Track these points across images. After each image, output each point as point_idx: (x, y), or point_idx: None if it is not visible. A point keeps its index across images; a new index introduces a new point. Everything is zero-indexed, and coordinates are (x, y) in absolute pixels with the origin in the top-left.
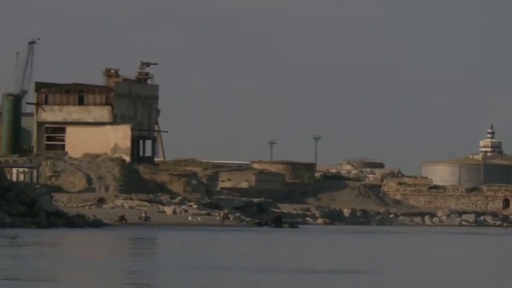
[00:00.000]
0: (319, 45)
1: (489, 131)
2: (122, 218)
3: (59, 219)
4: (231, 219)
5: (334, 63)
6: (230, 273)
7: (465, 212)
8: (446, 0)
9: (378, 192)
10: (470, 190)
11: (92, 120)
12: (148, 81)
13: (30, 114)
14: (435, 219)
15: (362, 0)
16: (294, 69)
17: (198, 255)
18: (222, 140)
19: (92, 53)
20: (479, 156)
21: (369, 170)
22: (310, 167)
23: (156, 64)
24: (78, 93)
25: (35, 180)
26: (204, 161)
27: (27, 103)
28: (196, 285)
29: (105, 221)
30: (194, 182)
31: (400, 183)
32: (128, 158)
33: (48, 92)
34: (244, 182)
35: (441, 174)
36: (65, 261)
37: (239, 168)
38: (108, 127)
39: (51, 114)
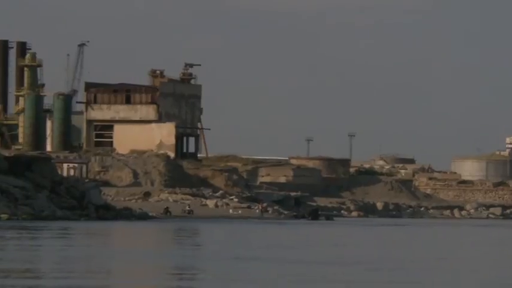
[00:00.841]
0: (353, 46)
1: None
2: (167, 211)
3: (107, 212)
4: (270, 212)
5: (367, 64)
6: (270, 264)
7: (492, 206)
8: (476, 7)
9: (410, 186)
10: (497, 184)
11: (138, 118)
12: (192, 82)
13: (80, 113)
14: (464, 212)
15: (391, 5)
16: (331, 70)
17: (239, 246)
18: (261, 137)
19: (138, 54)
20: (506, 152)
21: (400, 165)
22: (345, 162)
23: (199, 65)
24: (126, 93)
25: (84, 175)
26: (244, 156)
27: (77, 102)
28: (236, 275)
29: (150, 214)
30: (235, 176)
31: (430, 178)
32: (172, 154)
33: (97, 91)
34: (282, 176)
35: (469, 169)
36: (113, 251)
37: (278, 163)
38: (153, 125)
39: (100, 113)
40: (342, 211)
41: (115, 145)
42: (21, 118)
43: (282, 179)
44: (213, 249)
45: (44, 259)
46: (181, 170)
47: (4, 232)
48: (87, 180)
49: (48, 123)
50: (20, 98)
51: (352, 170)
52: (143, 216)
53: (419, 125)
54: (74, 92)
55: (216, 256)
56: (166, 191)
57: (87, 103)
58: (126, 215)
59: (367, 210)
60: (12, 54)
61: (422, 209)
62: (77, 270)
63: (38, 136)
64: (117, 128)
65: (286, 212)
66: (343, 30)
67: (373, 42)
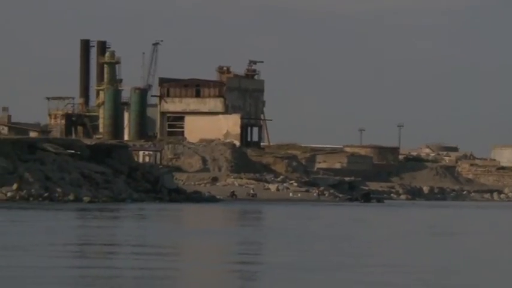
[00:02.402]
0: (401, 44)
1: None
2: (233, 194)
3: (178, 195)
4: (326, 195)
5: (413, 60)
6: (329, 242)
7: None
8: None
9: (453, 172)
10: None
11: (207, 110)
12: (255, 77)
13: (154, 105)
14: (502, 195)
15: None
16: (381, 66)
17: (298, 226)
18: (318, 127)
19: (207, 52)
20: None
21: (445, 153)
22: (394, 150)
23: (262, 62)
24: (195, 87)
25: (158, 161)
26: (303, 145)
27: (152, 96)
28: (298, 252)
29: (218, 197)
30: (294, 163)
31: (472, 165)
32: (237, 143)
33: (170, 86)
34: (337, 163)
35: (508, 156)
36: (185, 230)
37: (333, 151)
38: (221, 116)
39: (172, 105)
40: (392, 194)
41: (186, 134)
42: (101, 110)
43: (337, 165)
44: (275, 227)
45: (124, 236)
46: (245, 157)
47: (88, 213)
48: (160, 166)
49: (126, 115)
50: (101, 92)
51: (400, 157)
52: (211, 199)
53: (462, 116)
54: (149, 86)
55: (278, 234)
56: (232, 176)
57: (161, 97)
58: (196, 198)
59: (414, 193)
60: (93, 52)
61: (464, 192)
62: (153, 247)
63: (116, 126)
64: (188, 119)
65: (341, 195)
66: (391, 29)
67: (419, 39)
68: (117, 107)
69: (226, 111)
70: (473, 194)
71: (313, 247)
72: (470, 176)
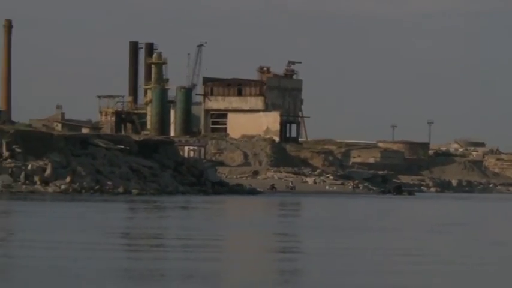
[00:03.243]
0: (433, 45)
1: None
2: (272, 187)
3: (221, 188)
4: (360, 188)
5: (443, 60)
6: (365, 233)
7: None
8: None
9: (480, 166)
10: None
11: (248, 108)
12: (294, 77)
13: (199, 103)
14: None
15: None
16: (412, 65)
17: (335, 217)
18: (353, 123)
19: (248, 53)
20: None
21: (472, 148)
22: (424, 145)
23: (300, 63)
24: (237, 86)
25: (202, 156)
26: (338, 140)
27: (197, 94)
28: (334, 242)
29: (258, 189)
30: (331, 157)
31: (498, 159)
32: (277, 139)
33: (213, 85)
34: (371, 157)
35: None
36: (227, 221)
37: (367, 146)
38: (261, 113)
39: (216, 103)
40: (422, 187)
41: (228, 131)
42: (149, 108)
43: (371, 160)
44: (312, 218)
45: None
46: (284, 152)
47: (137, 204)
48: (204, 161)
49: (172, 112)
50: (148, 91)
51: (430, 152)
52: (252, 192)
53: (489, 113)
54: (194, 85)
55: (315, 224)
56: (272, 170)
57: (205, 95)
58: (238, 190)
59: (444, 186)
60: (142, 53)
61: (491, 185)
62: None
63: (163, 123)
64: (230, 116)
65: (374, 188)
66: (421, 30)
67: (448, 40)
68: (164, 105)
69: (267, 108)
70: (499, 187)
71: (351, 237)
72: (496, 170)
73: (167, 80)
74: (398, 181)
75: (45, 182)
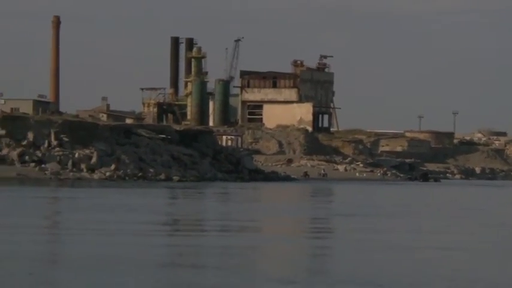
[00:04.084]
0: (457, 40)
1: None
2: (306, 174)
3: (257, 175)
4: (389, 175)
5: (466, 55)
6: (394, 219)
7: None
8: None
9: (502, 154)
10: None
11: (282, 100)
12: (326, 70)
13: (236, 95)
14: None
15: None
16: (437, 60)
17: (365, 204)
18: (382, 114)
19: (283, 48)
20: None
21: (495, 137)
22: (449, 135)
23: (332, 57)
24: (273, 79)
25: (239, 145)
26: (368, 130)
27: (234, 86)
28: (362, 229)
29: (292, 176)
30: (361, 146)
31: None
32: (310, 128)
33: (250, 78)
34: (399, 146)
35: None
36: (264, 206)
37: (395, 136)
38: (295, 105)
39: (252, 95)
40: (447, 174)
41: (264, 121)
42: (189, 99)
43: (399, 149)
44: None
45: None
46: (317, 141)
47: (177, 191)
48: (241, 149)
49: (211, 104)
50: (188, 83)
51: (455, 141)
52: (286, 178)
53: (511, 104)
54: (231, 78)
55: (345, 210)
56: (305, 158)
57: (242, 87)
58: (273, 177)
59: (468, 173)
60: (182, 48)
61: None
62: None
63: (202, 114)
64: (266, 107)
65: (402, 175)
66: (446, 26)
67: (471, 36)
68: (203, 97)
69: (300, 100)
70: None
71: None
72: None
73: (206, 73)
74: (425, 169)
75: (91, 170)
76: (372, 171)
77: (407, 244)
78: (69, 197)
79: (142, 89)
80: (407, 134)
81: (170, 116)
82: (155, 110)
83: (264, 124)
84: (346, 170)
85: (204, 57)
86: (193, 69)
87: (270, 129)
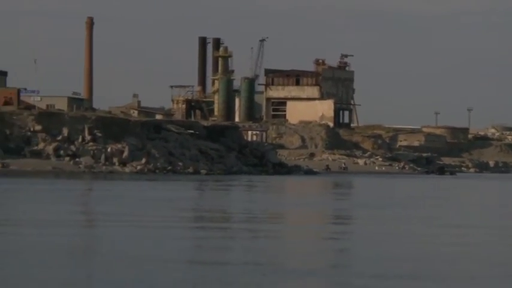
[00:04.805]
0: (471, 40)
1: None
2: (327, 168)
3: (281, 168)
4: (406, 168)
5: (479, 54)
6: (412, 210)
7: None
8: None
9: None
10: None
11: (305, 97)
12: (346, 68)
13: (261, 92)
14: None
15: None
16: (452, 59)
17: (384, 196)
18: (400, 110)
19: (305, 47)
20: None
21: (508, 132)
22: (464, 130)
23: (352, 56)
24: (296, 77)
25: (264, 140)
26: (387, 126)
27: (259, 84)
28: (380, 219)
29: (314, 170)
30: (379, 141)
31: None
32: (331, 124)
33: (274, 76)
34: (416, 141)
35: None
36: (287, 198)
37: (412, 131)
38: (317, 101)
39: (276, 92)
40: (462, 168)
41: (287, 117)
42: (216, 96)
43: (416, 143)
44: (363, 196)
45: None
46: (338, 136)
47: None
48: (266, 144)
49: (237, 100)
50: (215, 81)
51: (470, 136)
52: (309, 172)
53: None
54: (256, 76)
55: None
56: (326, 152)
57: (266, 85)
58: (296, 170)
59: (482, 167)
60: (210, 47)
61: None
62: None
63: (229, 110)
64: (289, 104)
65: (419, 169)
66: (460, 26)
67: (485, 36)
68: (230, 94)
69: (322, 97)
70: None
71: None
72: None
73: (232, 71)
74: (441, 162)
75: (123, 163)
76: (390, 164)
77: (428, 233)
78: (120, 189)
79: (171, 87)
80: (424, 130)
81: (198, 112)
82: (184, 106)
83: (287, 120)
84: (365, 163)
85: (230, 56)
86: (220, 67)
87: (293, 124)
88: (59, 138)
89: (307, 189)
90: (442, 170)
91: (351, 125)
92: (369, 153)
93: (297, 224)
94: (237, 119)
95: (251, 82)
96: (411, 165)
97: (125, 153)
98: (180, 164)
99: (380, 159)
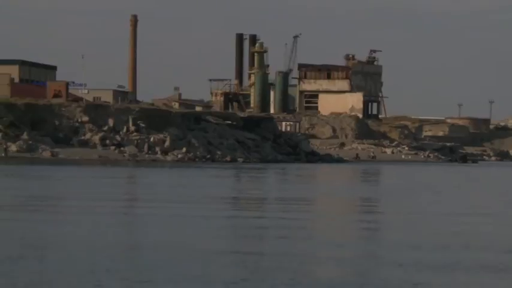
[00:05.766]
0: (493, 36)
1: None
2: (357, 156)
3: (313, 157)
4: (431, 157)
5: (502, 50)
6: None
7: None
8: None
9: None
10: None
11: (336, 90)
12: (375, 63)
13: (294, 86)
14: None
15: None
16: (475, 53)
17: (410, 182)
18: (425, 102)
19: (336, 43)
20: None
21: None
22: (486, 121)
23: (380, 51)
24: (327, 71)
25: (297, 130)
26: (413, 117)
27: (293, 78)
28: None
29: (345, 158)
30: (406, 131)
31: None
32: (360, 115)
33: (307, 70)
34: (440, 131)
35: None
36: (319, 185)
37: (437, 122)
38: (347, 94)
39: (309, 86)
40: (484, 156)
41: (319, 109)
42: (252, 89)
43: (440, 133)
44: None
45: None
46: (367, 126)
47: (242, 170)
48: (299, 134)
49: (272, 93)
50: (252, 75)
51: (491, 126)
52: (339, 160)
53: None
54: (290, 70)
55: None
56: (356, 142)
57: (300, 78)
58: (327, 159)
59: (502, 155)
60: (246, 43)
61: None
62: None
63: (264, 102)
64: (321, 97)
65: (443, 157)
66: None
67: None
68: (265, 87)
69: (352, 90)
70: None
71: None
72: None
73: (267, 66)
74: (464, 151)
75: (165, 152)
76: (416, 153)
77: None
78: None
79: (210, 80)
80: (448, 120)
81: (235, 104)
82: (222, 99)
83: (319, 111)
84: (393, 152)
85: (265, 51)
86: (256, 62)
87: (325, 116)
88: (105, 128)
89: (339, 175)
90: (464, 159)
91: (379, 116)
92: (396, 142)
93: (330, 208)
94: (272, 111)
95: (285, 76)
96: (436, 154)
97: (167, 143)
98: (219, 152)
99: (406, 148)
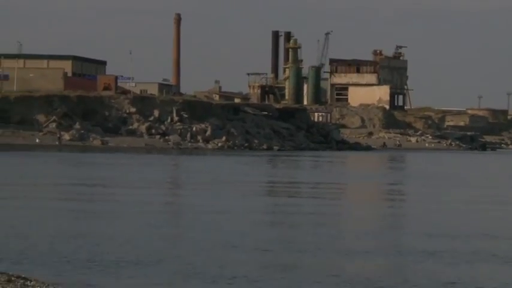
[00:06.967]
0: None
1: None
2: (384, 145)
3: (343, 145)
4: (453, 145)
5: None
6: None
7: None
8: None
9: None
10: None
11: (365, 83)
12: (401, 58)
13: (326, 79)
14: None
15: None
16: (495, 47)
17: (431, 168)
18: (448, 94)
19: (365, 39)
20: None
21: None
22: (504, 112)
23: (406, 47)
24: (356, 66)
25: (328, 120)
26: (436, 108)
27: (324, 72)
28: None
29: (373, 146)
30: (429, 121)
31: None
32: (387, 107)
33: (337, 64)
34: (461, 121)
35: None
36: (349, 171)
37: (458, 113)
38: (375, 87)
39: (339, 79)
40: (502, 145)
41: (349, 100)
42: (287, 83)
43: (461, 123)
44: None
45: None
46: (393, 117)
47: (278, 158)
48: (330, 124)
49: (305, 86)
50: (286, 69)
51: (509, 117)
52: (368, 148)
53: None
54: (322, 65)
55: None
56: (383, 131)
57: (331, 72)
58: (356, 147)
59: None
60: (281, 40)
61: None
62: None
63: (298, 94)
64: (351, 89)
65: (464, 146)
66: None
67: None
68: (299, 81)
69: (379, 83)
70: None
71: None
72: None
73: (301, 60)
74: (483, 140)
75: (206, 140)
76: (439, 142)
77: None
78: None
79: (248, 74)
80: (469, 111)
81: (271, 96)
82: (259, 91)
83: (349, 103)
84: (417, 141)
85: (299, 47)
86: (290, 57)
87: (354, 107)
88: (151, 119)
89: (368, 162)
90: (484, 147)
91: (405, 107)
92: (420, 132)
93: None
94: (305, 102)
95: (317, 70)
96: (457, 142)
97: (208, 132)
98: (256, 141)
99: (430, 137)
